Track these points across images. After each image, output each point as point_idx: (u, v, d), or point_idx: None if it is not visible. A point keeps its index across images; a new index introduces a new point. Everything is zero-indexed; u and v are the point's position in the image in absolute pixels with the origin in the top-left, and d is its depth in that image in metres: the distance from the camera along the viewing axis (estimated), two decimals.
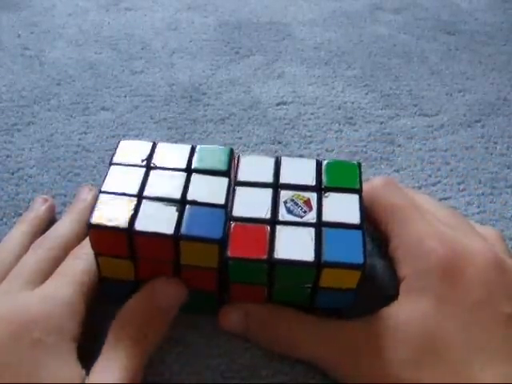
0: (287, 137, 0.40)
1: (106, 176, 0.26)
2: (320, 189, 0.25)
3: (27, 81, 0.44)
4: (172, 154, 0.27)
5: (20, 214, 0.33)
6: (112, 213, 0.24)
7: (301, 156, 0.39)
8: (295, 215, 0.24)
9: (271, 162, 0.26)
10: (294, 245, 0.23)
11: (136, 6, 0.55)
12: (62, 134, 0.39)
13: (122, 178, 0.26)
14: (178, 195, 0.25)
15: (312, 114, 0.43)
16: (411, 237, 0.25)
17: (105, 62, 0.47)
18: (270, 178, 0.26)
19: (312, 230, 0.24)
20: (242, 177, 0.26)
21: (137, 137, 0.39)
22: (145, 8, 0.55)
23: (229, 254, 0.23)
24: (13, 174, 0.36)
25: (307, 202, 0.25)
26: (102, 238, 0.24)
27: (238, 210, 0.24)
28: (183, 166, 0.26)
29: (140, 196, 0.25)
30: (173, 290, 0.26)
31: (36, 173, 0.36)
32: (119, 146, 0.28)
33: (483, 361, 0.21)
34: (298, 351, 0.25)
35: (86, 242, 0.27)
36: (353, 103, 0.44)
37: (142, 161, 0.27)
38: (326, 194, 0.25)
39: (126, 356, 0.23)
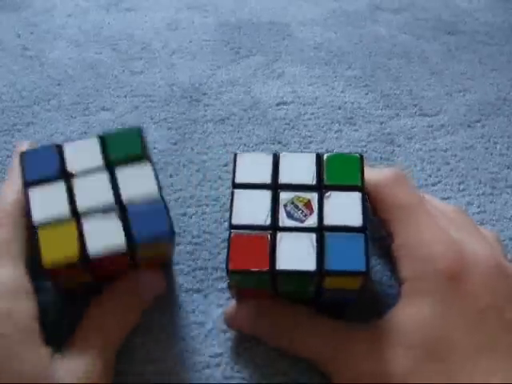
0: (287, 137, 0.40)
1: (29, 205, 0.24)
2: (320, 187, 0.25)
3: (27, 81, 0.44)
4: (84, 153, 0.25)
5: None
6: (59, 247, 0.23)
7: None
8: (296, 219, 0.23)
9: (269, 159, 0.26)
10: (295, 253, 0.23)
11: (136, 7, 0.55)
12: (62, 134, 0.39)
13: (48, 201, 0.24)
14: (111, 199, 0.24)
15: (312, 114, 0.43)
16: (417, 238, 0.24)
17: (105, 62, 0.47)
18: (268, 178, 0.25)
19: (313, 236, 0.23)
20: (239, 178, 0.25)
21: None
22: (145, 8, 0.55)
23: (230, 266, 0.23)
24: None
25: (308, 205, 0.24)
26: (60, 273, 0.23)
27: (238, 217, 0.24)
28: (100, 163, 0.25)
29: (76, 213, 0.23)
30: (155, 284, 0.27)
31: None
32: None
33: (488, 366, 0.21)
34: (303, 352, 0.25)
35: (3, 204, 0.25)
36: (353, 103, 0.44)
37: (58, 173, 0.25)
38: (327, 194, 0.24)
39: (103, 342, 0.24)
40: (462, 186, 0.37)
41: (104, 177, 0.24)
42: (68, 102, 0.42)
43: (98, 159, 0.25)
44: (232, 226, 0.24)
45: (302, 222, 0.23)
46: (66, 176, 0.25)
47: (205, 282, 0.30)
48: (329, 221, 0.24)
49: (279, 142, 0.40)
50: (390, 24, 0.55)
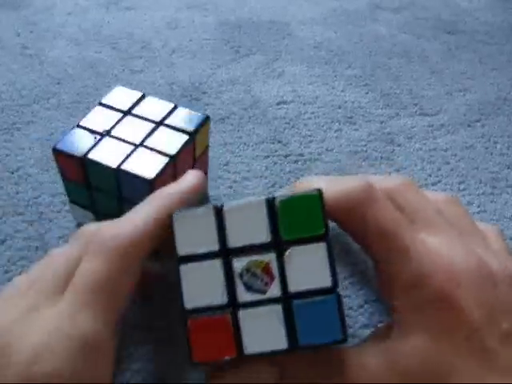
0: (287, 136, 0.40)
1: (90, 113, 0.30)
2: (278, 243, 0.21)
3: (27, 80, 0.44)
4: (153, 107, 0.31)
5: (20, 213, 0.33)
6: (76, 143, 0.28)
7: (301, 155, 0.39)
8: (256, 291, 0.21)
9: (212, 216, 0.21)
10: (263, 332, 0.20)
11: (136, 5, 0.55)
12: (61, 133, 0.39)
13: (100, 118, 0.30)
14: (150, 125, 0.30)
15: (312, 113, 0.43)
16: (401, 265, 0.22)
17: (105, 61, 0.47)
18: (215, 244, 0.21)
19: (279, 308, 0.21)
20: (182, 249, 0.21)
21: None
22: (145, 7, 0.55)
23: (193, 358, 0.20)
24: (12, 173, 0.36)
25: (266, 269, 0.21)
26: (161, 184, 0.25)
27: (190, 300, 0.21)
28: (157, 119, 0.30)
29: (136, 145, 0.28)
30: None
31: (36, 172, 0.36)
32: (114, 90, 0.32)
33: None
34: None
35: (102, 233, 0.21)
36: (353, 102, 0.44)
37: (125, 110, 0.30)
38: (287, 253, 0.21)
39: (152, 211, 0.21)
40: (462, 186, 0.37)
41: None
42: (68, 100, 0.42)
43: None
44: (186, 312, 0.21)
45: (264, 292, 0.21)
46: (125, 112, 0.30)
47: None
48: (294, 286, 0.21)
49: (279, 142, 0.40)
50: (390, 23, 0.55)
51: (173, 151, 0.28)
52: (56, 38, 0.49)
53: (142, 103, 0.31)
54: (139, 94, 0.31)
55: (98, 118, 0.30)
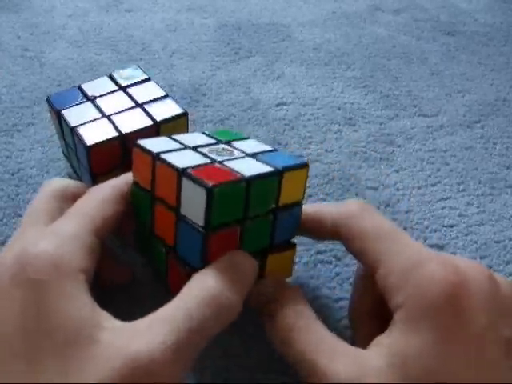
0: (287, 137, 0.40)
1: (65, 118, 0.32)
2: (225, 143, 0.27)
3: (27, 82, 0.44)
4: (146, 91, 0.33)
5: (20, 215, 0.33)
6: (64, 100, 0.31)
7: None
8: (225, 157, 0.25)
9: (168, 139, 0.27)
10: (250, 167, 0.24)
11: (136, 7, 0.55)
12: None
13: (98, 86, 0.33)
14: (130, 104, 0.32)
15: (312, 114, 0.43)
16: (405, 260, 0.23)
17: (105, 62, 0.47)
18: (181, 145, 0.26)
19: (249, 158, 0.25)
20: (155, 149, 0.25)
21: None
22: (145, 9, 0.55)
23: (210, 184, 0.22)
24: (13, 174, 0.36)
25: (226, 149, 0.26)
26: (100, 154, 0.28)
27: (182, 164, 0.23)
28: (140, 101, 0.32)
29: (104, 115, 0.31)
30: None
31: (36, 173, 0.36)
32: (128, 68, 0.35)
33: None
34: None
35: (106, 184, 0.26)
36: (352, 104, 0.44)
37: (91, 97, 0.32)
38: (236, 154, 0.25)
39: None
40: (461, 187, 0.37)
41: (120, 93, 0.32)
42: None
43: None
44: (182, 170, 0.23)
45: (233, 155, 0.25)
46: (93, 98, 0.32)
47: None
48: (252, 151, 0.26)
49: (279, 143, 0.40)
50: (389, 25, 0.55)
51: (126, 130, 0.30)
52: (56, 40, 0.49)
53: (141, 85, 0.33)
54: (145, 76, 0.34)
55: (97, 86, 0.33)
